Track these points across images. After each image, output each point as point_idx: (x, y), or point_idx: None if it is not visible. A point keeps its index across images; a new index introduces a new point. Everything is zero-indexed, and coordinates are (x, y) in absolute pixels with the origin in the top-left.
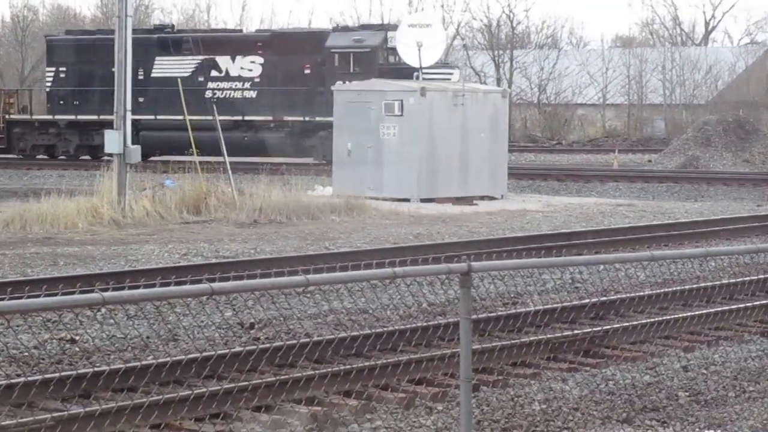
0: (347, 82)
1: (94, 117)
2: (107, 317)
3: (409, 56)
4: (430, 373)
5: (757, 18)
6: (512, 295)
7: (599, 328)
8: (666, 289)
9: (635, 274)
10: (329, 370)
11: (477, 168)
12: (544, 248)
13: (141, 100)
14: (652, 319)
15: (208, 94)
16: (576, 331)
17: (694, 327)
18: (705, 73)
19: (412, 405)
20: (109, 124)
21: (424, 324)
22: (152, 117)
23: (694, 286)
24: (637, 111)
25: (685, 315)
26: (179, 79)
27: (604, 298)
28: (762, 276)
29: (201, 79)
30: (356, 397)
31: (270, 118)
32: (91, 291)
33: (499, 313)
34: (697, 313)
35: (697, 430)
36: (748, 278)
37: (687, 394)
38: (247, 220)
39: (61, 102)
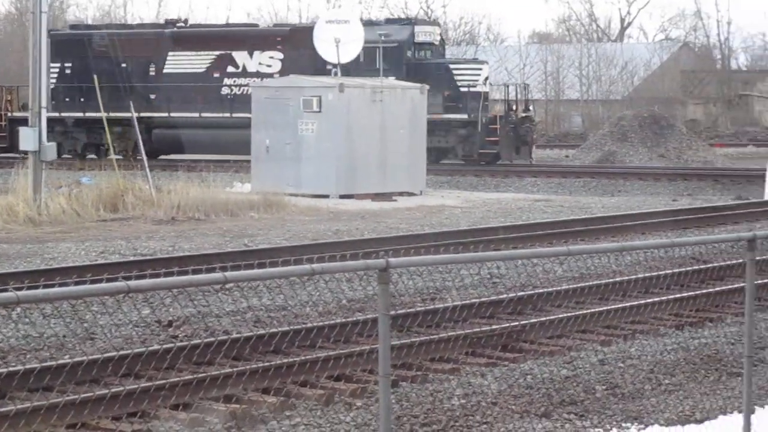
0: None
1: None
2: (22, 316)
3: (327, 52)
4: (350, 369)
5: (671, 14)
6: (431, 291)
7: (517, 323)
8: (583, 284)
9: (552, 268)
10: (248, 367)
11: (396, 164)
12: (463, 244)
13: (152, 97)
14: (570, 314)
15: (225, 90)
16: (494, 326)
17: (610, 321)
18: (621, 69)
19: (332, 401)
20: (119, 122)
21: (343, 320)
22: (166, 114)
23: (611, 280)
24: (555, 106)
25: (601, 309)
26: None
27: (521, 293)
28: (677, 270)
29: (217, 75)
30: (275, 394)
31: None
32: (5, 290)
33: (418, 308)
34: (613, 307)
35: (614, 423)
36: (663, 272)
37: (604, 387)
38: (165, 217)
39: (67, 99)
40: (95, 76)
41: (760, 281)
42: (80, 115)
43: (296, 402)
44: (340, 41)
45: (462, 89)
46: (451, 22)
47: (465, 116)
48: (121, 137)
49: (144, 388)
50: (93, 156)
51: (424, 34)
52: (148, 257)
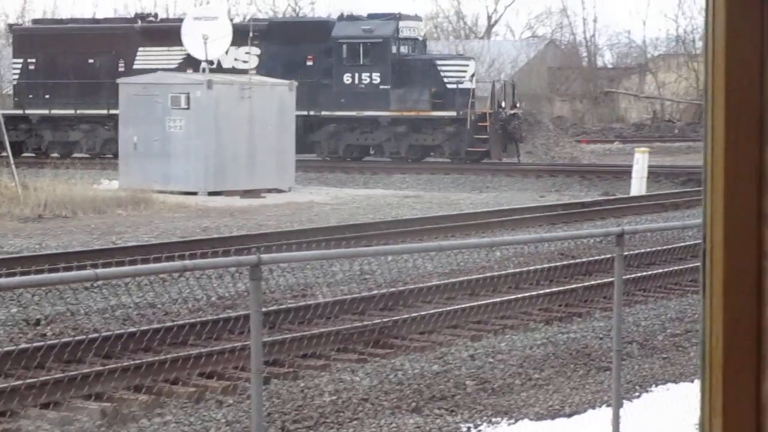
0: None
1: (71, 111)
2: None
3: (194, 49)
4: (221, 366)
5: (537, 12)
6: (301, 288)
7: (388, 319)
8: (453, 279)
9: (423, 264)
10: (118, 365)
11: (265, 161)
12: (333, 240)
13: None
14: (440, 309)
15: None
16: (365, 322)
17: (481, 316)
18: (488, 66)
19: (203, 399)
20: (88, 119)
21: (214, 317)
22: None
23: (481, 276)
24: None
25: (472, 304)
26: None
27: (392, 289)
28: (546, 265)
29: (189, 71)
30: (146, 392)
31: None
32: None
33: (289, 305)
34: (483, 302)
35: (485, 418)
36: (532, 267)
37: (474, 382)
38: (32, 214)
39: (31, 96)
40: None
41: (627, 276)
42: (45, 112)
43: (167, 400)
44: (208, 38)
45: (449, 86)
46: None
47: (453, 113)
48: (89, 134)
49: (13, 386)
50: (55, 155)
51: (408, 29)
52: (15, 255)
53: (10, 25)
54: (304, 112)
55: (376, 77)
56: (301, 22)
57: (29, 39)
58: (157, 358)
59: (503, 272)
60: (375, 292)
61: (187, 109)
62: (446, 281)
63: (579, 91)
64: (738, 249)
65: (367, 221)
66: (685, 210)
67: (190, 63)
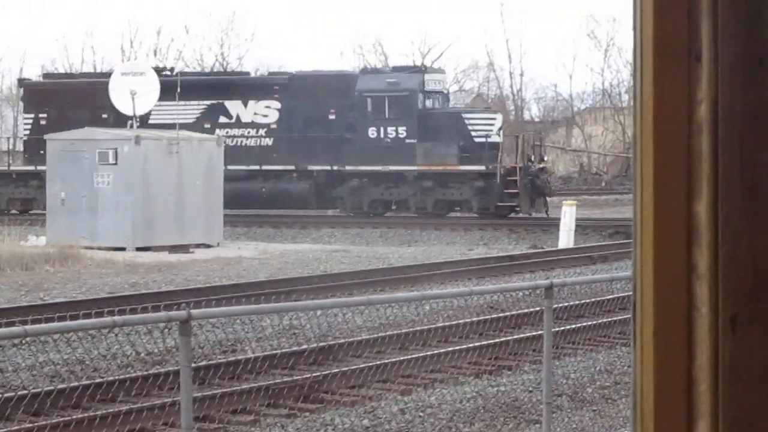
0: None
1: None
2: None
3: (122, 104)
4: (150, 423)
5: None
6: (231, 342)
7: (318, 374)
8: (383, 333)
9: (353, 318)
10: (47, 422)
11: (193, 216)
12: (262, 294)
13: None
14: (370, 363)
15: None
16: (295, 377)
17: (410, 370)
18: None
19: None
20: None
21: (144, 373)
22: None
23: (410, 329)
24: None
25: (401, 358)
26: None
27: (322, 344)
28: (475, 318)
29: (207, 125)
30: None
31: (292, 167)
32: None
33: (219, 360)
34: (413, 356)
35: None
36: (462, 321)
37: None
38: None
39: (42, 152)
40: None
41: (556, 328)
42: None
43: None
44: (136, 93)
45: (477, 139)
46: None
47: (482, 167)
48: None
49: None
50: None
51: (434, 82)
52: None
53: (21, 80)
54: (327, 167)
55: (402, 131)
56: (323, 76)
57: (40, 94)
58: (86, 415)
59: (433, 326)
60: (304, 346)
61: (115, 164)
62: (376, 335)
63: (506, 144)
64: (667, 300)
65: (296, 275)
66: (613, 262)
67: (209, 117)
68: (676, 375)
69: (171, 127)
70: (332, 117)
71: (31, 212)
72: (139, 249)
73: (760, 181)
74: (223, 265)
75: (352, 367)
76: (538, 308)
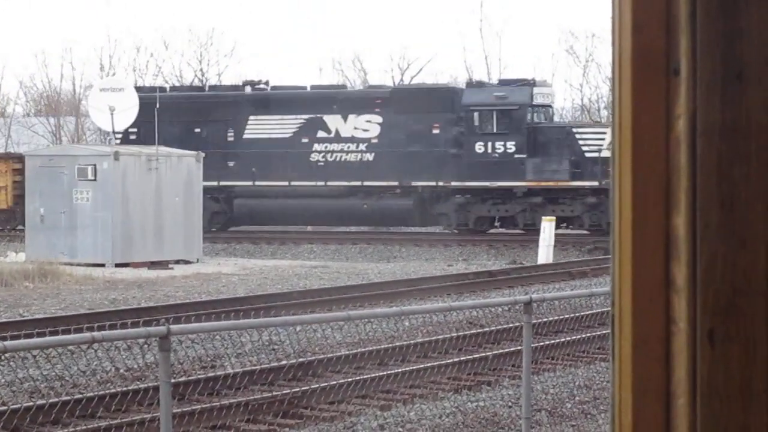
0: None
1: None
2: None
3: (101, 120)
4: None
5: (444, 81)
6: (210, 358)
7: (297, 389)
8: (362, 349)
9: (332, 334)
10: None
11: (172, 232)
12: (242, 310)
13: (231, 164)
14: (349, 379)
15: (315, 157)
16: (274, 393)
17: (390, 385)
18: None
19: None
20: (206, 190)
21: (123, 389)
22: (249, 183)
23: (389, 345)
24: None
25: (381, 374)
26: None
27: (301, 359)
28: (454, 334)
29: (305, 140)
30: None
31: (395, 183)
32: None
33: (198, 376)
34: (392, 372)
35: None
36: (441, 336)
37: None
38: None
39: None
40: None
41: (536, 344)
42: None
43: None
44: (114, 109)
45: (588, 155)
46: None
47: (595, 183)
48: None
49: None
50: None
51: (542, 95)
52: None
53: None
54: (432, 183)
55: (511, 146)
56: (426, 89)
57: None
58: (65, 431)
59: (412, 341)
60: (284, 362)
61: (94, 180)
62: (355, 351)
63: None
64: (646, 315)
65: (275, 291)
66: (592, 278)
67: (306, 132)
68: (654, 389)
69: (267, 142)
70: (436, 131)
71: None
72: (118, 265)
73: (738, 195)
74: (203, 281)
75: (332, 383)
76: (517, 324)
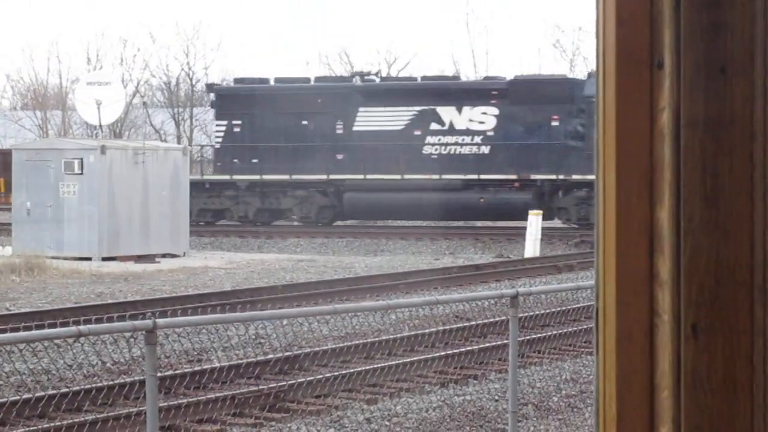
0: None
1: (285, 177)
2: None
3: (88, 114)
4: None
5: (431, 74)
6: (197, 352)
7: (284, 383)
8: (348, 343)
9: (318, 328)
10: None
11: (158, 226)
12: (228, 304)
13: (340, 157)
14: (336, 373)
15: (428, 150)
16: (261, 387)
17: (376, 379)
18: None
19: None
20: (303, 185)
21: (110, 383)
22: (361, 177)
23: (376, 339)
24: None
25: (367, 368)
26: None
27: (288, 353)
28: (441, 328)
29: (418, 132)
30: None
31: (514, 176)
32: None
33: (185, 370)
34: (379, 365)
35: None
36: (427, 330)
37: None
38: None
39: (236, 160)
40: None
41: (522, 338)
42: (256, 177)
43: None
44: (101, 103)
45: None
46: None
47: None
48: (304, 202)
49: None
50: (278, 223)
51: None
52: None
53: (210, 85)
54: (552, 176)
55: None
56: (544, 80)
57: (233, 100)
58: (51, 425)
59: (398, 335)
60: (270, 356)
61: (81, 174)
62: (341, 344)
63: None
64: (630, 308)
65: (262, 285)
66: (578, 272)
67: (419, 124)
68: (638, 381)
69: (377, 134)
70: (555, 123)
71: (218, 224)
72: (105, 259)
73: (722, 188)
74: (189, 275)
75: (318, 377)
76: (503, 317)
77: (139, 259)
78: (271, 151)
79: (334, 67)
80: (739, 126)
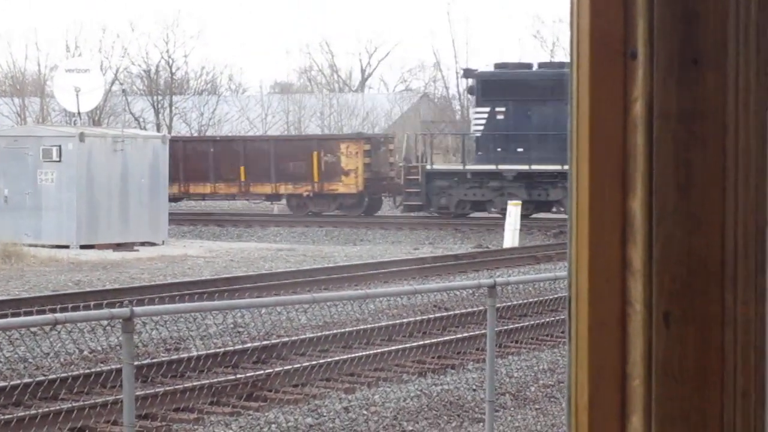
0: None
1: (557, 167)
2: None
3: (66, 101)
4: (93, 421)
5: (411, 66)
6: (175, 341)
7: (262, 372)
8: (327, 332)
9: (297, 317)
10: None
11: (137, 214)
12: (207, 293)
13: None
14: (314, 362)
15: None
16: (238, 375)
17: (354, 368)
18: (363, 118)
19: None
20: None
21: (86, 371)
22: None
23: (354, 328)
24: None
25: (345, 357)
26: None
27: (266, 342)
28: (419, 317)
29: None
30: None
31: None
32: None
33: (162, 358)
34: (357, 354)
35: None
36: (406, 320)
37: None
38: None
39: (499, 149)
40: None
41: (500, 328)
42: (524, 167)
43: None
44: (80, 90)
45: None
46: (193, 72)
47: None
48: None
49: None
50: (539, 215)
51: None
52: None
53: (468, 70)
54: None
55: None
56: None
57: (498, 85)
58: (28, 413)
59: (377, 324)
60: (248, 345)
61: (59, 161)
62: (320, 334)
63: (453, 144)
64: (602, 297)
65: (240, 274)
66: (557, 262)
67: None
68: (610, 370)
69: None
70: None
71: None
72: (83, 247)
73: (694, 178)
74: (168, 264)
75: (296, 366)
76: (482, 307)
77: (118, 247)
78: (539, 140)
79: (315, 57)
80: (712, 117)
